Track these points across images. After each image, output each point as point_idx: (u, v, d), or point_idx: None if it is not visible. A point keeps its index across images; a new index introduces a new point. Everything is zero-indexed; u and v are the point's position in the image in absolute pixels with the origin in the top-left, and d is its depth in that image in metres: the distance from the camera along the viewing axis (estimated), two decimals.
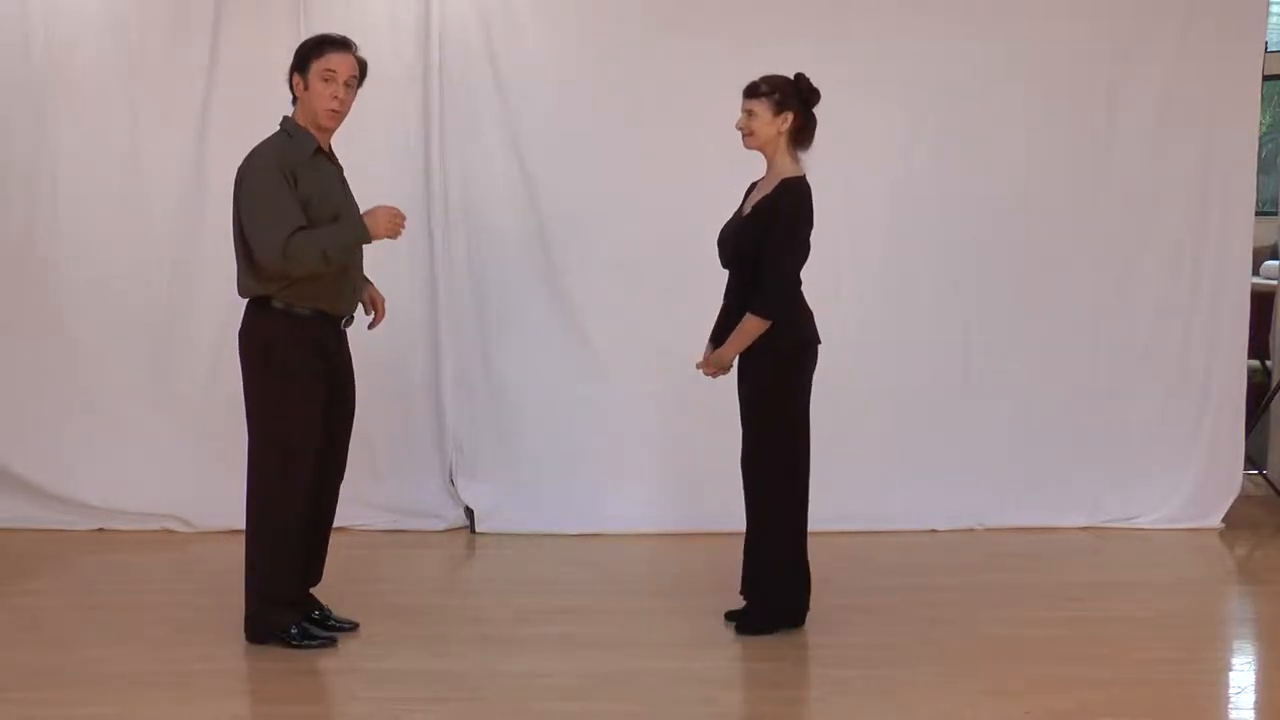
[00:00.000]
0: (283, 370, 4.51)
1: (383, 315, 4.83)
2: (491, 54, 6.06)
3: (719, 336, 4.80)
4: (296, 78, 4.52)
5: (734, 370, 4.78)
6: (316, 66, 4.48)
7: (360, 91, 4.61)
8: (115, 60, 6.02)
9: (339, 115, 4.54)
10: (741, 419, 4.78)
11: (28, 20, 6.00)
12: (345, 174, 4.71)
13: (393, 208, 4.57)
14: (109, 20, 6.02)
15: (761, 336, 4.63)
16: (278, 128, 4.57)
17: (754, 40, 5.79)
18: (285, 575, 4.62)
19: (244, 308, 4.59)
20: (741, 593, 4.89)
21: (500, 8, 6.07)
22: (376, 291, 4.82)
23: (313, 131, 4.53)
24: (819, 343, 4.74)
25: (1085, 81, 6.16)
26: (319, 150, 4.54)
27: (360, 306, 4.77)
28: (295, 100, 4.55)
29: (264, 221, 4.40)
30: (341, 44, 4.55)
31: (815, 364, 4.73)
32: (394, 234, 4.58)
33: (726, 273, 4.81)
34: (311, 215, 4.44)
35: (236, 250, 4.54)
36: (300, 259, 4.39)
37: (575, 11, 6.12)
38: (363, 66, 4.59)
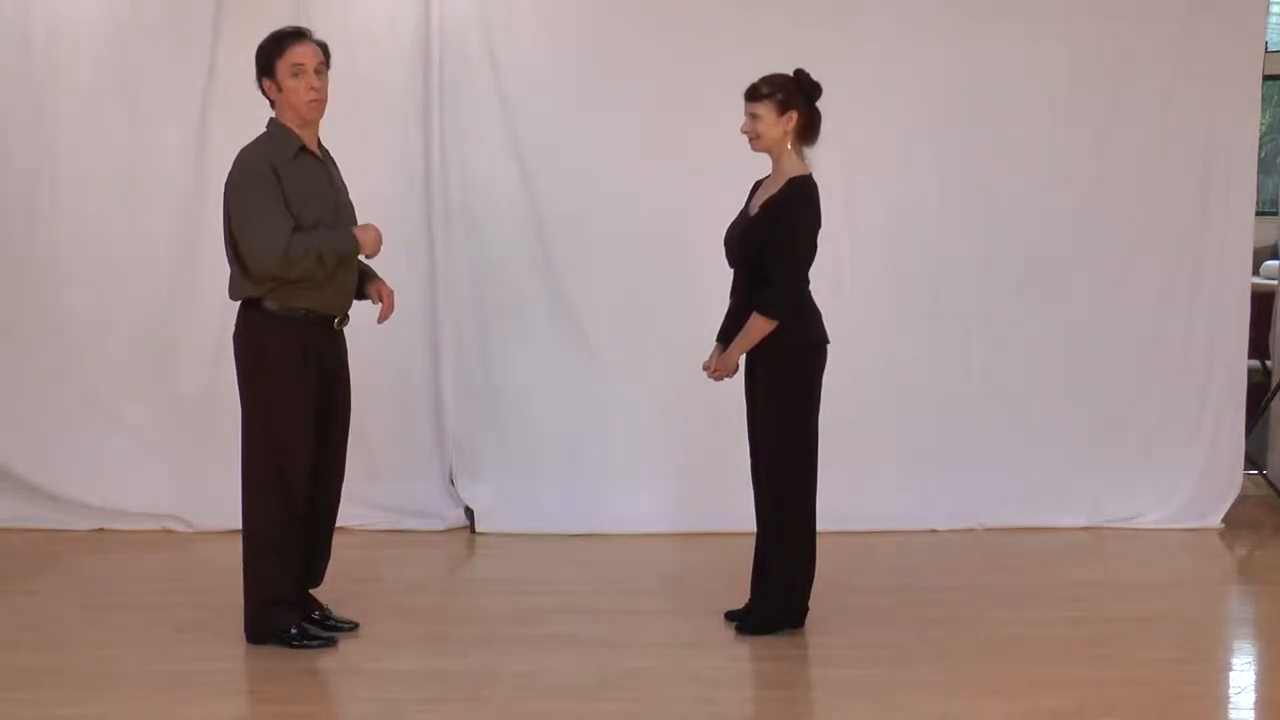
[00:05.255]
0: (275, 372, 4.51)
1: (390, 309, 4.75)
2: (491, 55, 6.06)
3: (726, 337, 4.76)
4: (267, 83, 4.50)
5: (740, 371, 4.76)
6: (282, 64, 4.46)
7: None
8: (115, 60, 6.01)
9: (320, 104, 4.52)
10: (748, 420, 4.77)
11: (28, 20, 5.99)
12: (343, 172, 4.71)
13: (379, 231, 4.62)
14: (109, 20, 6.01)
15: (769, 337, 4.59)
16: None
17: (754, 41, 5.78)
18: (283, 576, 4.62)
19: (237, 309, 4.60)
20: (751, 594, 4.88)
21: (500, 8, 6.07)
22: (384, 285, 4.76)
23: (296, 129, 4.52)
24: (828, 343, 4.71)
25: (1085, 81, 6.16)
26: (303, 149, 4.53)
27: (366, 301, 4.74)
28: (273, 104, 4.53)
29: (262, 226, 4.39)
30: (298, 34, 4.52)
31: (825, 365, 4.70)
32: (375, 254, 4.64)
33: (728, 272, 4.79)
34: (296, 214, 4.43)
35: (228, 253, 4.54)
36: (300, 262, 4.41)
37: (575, 12, 6.11)
38: (325, 50, 4.55)
